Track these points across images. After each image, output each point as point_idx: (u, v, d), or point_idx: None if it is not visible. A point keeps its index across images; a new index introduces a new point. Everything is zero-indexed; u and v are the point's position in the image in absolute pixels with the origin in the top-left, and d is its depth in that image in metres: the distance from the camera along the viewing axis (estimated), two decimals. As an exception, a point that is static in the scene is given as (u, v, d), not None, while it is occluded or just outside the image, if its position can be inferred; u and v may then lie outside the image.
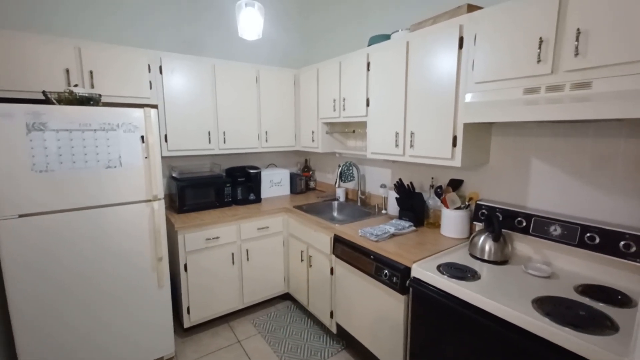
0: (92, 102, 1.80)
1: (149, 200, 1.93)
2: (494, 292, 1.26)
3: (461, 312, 1.31)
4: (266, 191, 3.02)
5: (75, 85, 1.88)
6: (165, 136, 2.37)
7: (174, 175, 2.60)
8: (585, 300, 1.19)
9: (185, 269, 2.24)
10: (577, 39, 1.19)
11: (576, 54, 1.20)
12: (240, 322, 2.52)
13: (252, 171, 2.79)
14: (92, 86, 2.04)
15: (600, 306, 1.15)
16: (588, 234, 1.36)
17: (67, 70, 1.96)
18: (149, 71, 2.24)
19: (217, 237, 2.34)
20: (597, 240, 1.33)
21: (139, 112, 1.85)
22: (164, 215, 1.98)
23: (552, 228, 1.47)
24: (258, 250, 2.55)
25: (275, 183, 3.08)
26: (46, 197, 1.64)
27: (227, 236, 2.39)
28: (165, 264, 1.99)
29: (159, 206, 1.95)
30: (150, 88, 2.26)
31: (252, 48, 3.08)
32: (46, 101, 1.75)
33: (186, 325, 2.31)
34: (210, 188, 2.57)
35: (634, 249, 1.24)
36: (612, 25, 1.11)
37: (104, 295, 1.83)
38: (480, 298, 1.24)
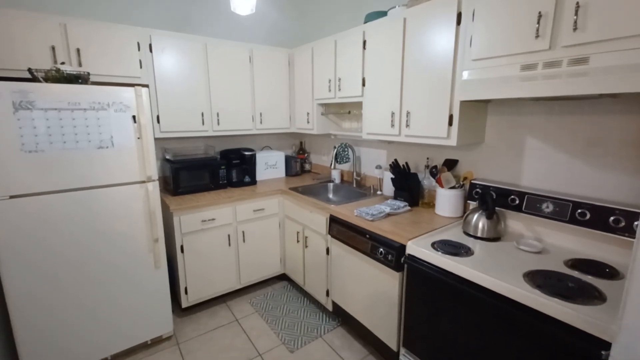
0: (80, 81, 1.75)
1: (143, 182, 1.91)
2: (487, 267, 1.29)
3: (455, 287, 1.34)
4: (261, 173, 3.00)
5: (62, 63, 1.82)
6: (158, 117, 2.33)
7: (167, 157, 2.57)
8: (575, 274, 1.22)
9: (182, 250, 2.25)
10: (577, 13, 1.17)
11: (575, 29, 1.18)
12: (238, 302, 2.56)
13: (247, 153, 2.76)
14: (80, 64, 1.98)
15: (588, 279, 1.18)
16: (579, 210, 1.38)
17: (53, 48, 1.89)
18: (139, 49, 2.17)
19: (213, 219, 2.34)
20: (588, 216, 1.36)
21: (129, 91, 1.81)
22: (159, 196, 1.97)
23: (544, 205, 1.50)
24: (254, 231, 2.57)
25: (270, 165, 3.07)
26: (37, 177, 1.61)
27: (223, 218, 2.39)
28: (161, 245, 2.00)
29: (154, 187, 1.93)
30: (141, 67, 2.20)
31: (244, 26, 2.99)
32: (33, 79, 1.70)
33: (184, 305, 2.34)
34: (205, 170, 2.55)
35: (623, 223, 1.27)
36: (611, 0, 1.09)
37: (101, 276, 1.83)
38: (473, 273, 1.27)
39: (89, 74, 1.80)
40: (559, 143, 1.54)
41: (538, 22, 1.27)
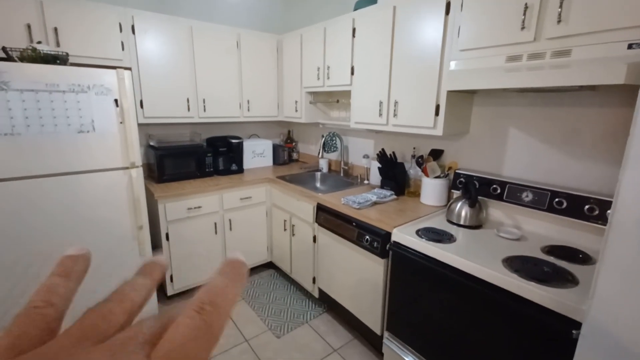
0: (58, 61, 1.68)
1: (127, 168, 1.87)
2: (468, 253, 1.33)
3: (437, 272, 1.39)
4: (248, 162, 2.98)
5: (39, 43, 1.73)
6: (141, 102, 2.26)
7: (152, 144, 2.51)
8: (551, 259, 1.28)
9: (167, 238, 2.22)
10: (561, 6, 1.20)
11: (559, 21, 1.21)
12: (224, 290, 2.56)
13: (234, 141, 2.73)
14: (58, 44, 1.89)
15: (563, 264, 1.24)
16: (557, 199, 1.44)
17: (29, 26, 1.80)
18: (121, 30, 2.09)
19: (199, 207, 2.32)
20: (565, 204, 1.41)
21: (111, 74, 1.75)
22: (143, 183, 1.93)
23: (524, 194, 1.55)
24: (241, 220, 2.56)
25: (257, 154, 3.04)
26: (14, 161, 1.55)
27: (210, 206, 2.37)
28: (146, 232, 1.97)
29: (137, 174, 1.89)
30: (123, 49, 2.12)
31: (231, 9, 2.91)
32: (7, 59, 1.62)
33: (169, 292, 2.32)
34: (190, 158, 2.51)
35: (597, 212, 1.33)
36: (594, -8, 1.12)
37: (83, 263, 1.80)
38: (455, 258, 1.32)
39: (67, 54, 1.73)
40: (540, 134, 1.59)
41: (524, 14, 1.29)
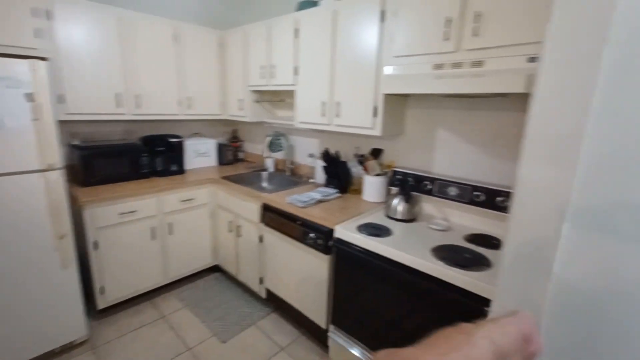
0: (-51, 47, 1.43)
1: (43, 170, 1.66)
2: (403, 245, 1.44)
3: (377, 265, 1.47)
4: (191, 162, 2.84)
5: None
6: (62, 96, 2.03)
7: (75, 143, 2.27)
8: (471, 246, 1.44)
9: (96, 247, 2.03)
10: (476, 21, 1.34)
11: (474, 35, 1.36)
12: (166, 298, 2.41)
13: (173, 140, 2.59)
14: (-51, 26, 1.61)
15: (481, 250, 1.40)
16: (476, 193, 1.62)
17: None
18: (33, 15, 1.85)
19: (134, 211, 2.15)
20: (483, 197, 1.60)
21: (23, 64, 1.55)
22: (64, 187, 1.74)
23: (450, 189, 1.72)
24: (182, 223, 2.43)
25: (200, 153, 2.91)
26: None
27: (146, 210, 2.21)
28: (68, 242, 1.78)
29: (57, 177, 1.70)
30: (38, 37, 1.88)
31: (170, 1, 2.74)
32: None
33: (101, 306, 2.13)
34: (123, 158, 2.32)
35: (507, 203, 1.52)
36: (503, 11, 1.27)
37: (-11, 280, 1.56)
38: (391, 251, 1.41)
39: (-38, 39, 1.49)
40: (463, 135, 1.77)
41: (446, 26, 1.43)
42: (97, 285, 2.08)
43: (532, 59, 1.23)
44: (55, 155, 1.68)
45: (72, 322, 1.87)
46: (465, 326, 0.27)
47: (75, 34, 2.03)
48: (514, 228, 0.92)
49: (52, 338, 1.80)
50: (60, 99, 2.02)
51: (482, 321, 0.28)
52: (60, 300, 1.80)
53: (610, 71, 0.64)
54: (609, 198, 0.69)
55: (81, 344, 1.94)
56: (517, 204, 0.88)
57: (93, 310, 2.19)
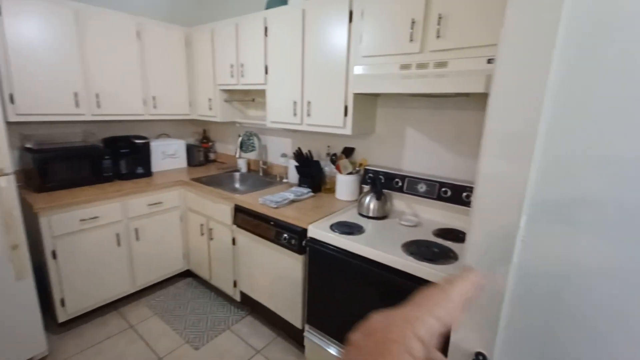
0: None
1: (-9, 176, 1.54)
2: (375, 242, 1.46)
3: (350, 262, 1.49)
4: (158, 164, 2.73)
5: None
6: (11, 96, 1.88)
7: (28, 146, 2.11)
8: (439, 241, 1.49)
9: (54, 256, 1.90)
10: (439, 23, 1.39)
11: (438, 36, 1.41)
12: (134, 307, 2.31)
13: (138, 141, 2.47)
14: None
15: (448, 244, 1.46)
16: (443, 189, 1.68)
17: None
18: (-25, 7, 1.70)
19: (96, 217, 2.04)
20: (449, 193, 1.66)
21: (-39, 59, 1.41)
22: (16, 194, 1.61)
23: (419, 186, 1.77)
24: (150, 228, 2.33)
25: (168, 155, 2.81)
26: None
27: (110, 215, 2.10)
28: (23, 252, 1.65)
29: (8, 183, 1.57)
30: (-21, 30, 1.73)
31: (130, -4, 2.61)
32: None
33: (62, 319, 2.00)
34: (83, 161, 2.19)
35: (471, 198, 1.59)
36: (464, 14, 1.33)
37: None
38: (364, 248, 1.43)
39: None
40: (430, 133, 1.83)
41: (412, 28, 1.47)
42: (56, 297, 1.95)
43: (491, 61, 1.30)
44: (5, 159, 1.56)
45: (30, 337, 1.74)
46: (441, 285, 0.36)
47: (26, 29, 1.88)
48: (475, 221, 0.96)
49: (9, 354, 1.67)
50: (8, 99, 1.87)
51: (452, 278, 0.38)
52: (16, 314, 1.67)
53: (561, 72, 0.68)
54: (564, 192, 0.73)
55: (40, 360, 1.81)
56: (477, 198, 0.92)
57: (53, 324, 2.05)
